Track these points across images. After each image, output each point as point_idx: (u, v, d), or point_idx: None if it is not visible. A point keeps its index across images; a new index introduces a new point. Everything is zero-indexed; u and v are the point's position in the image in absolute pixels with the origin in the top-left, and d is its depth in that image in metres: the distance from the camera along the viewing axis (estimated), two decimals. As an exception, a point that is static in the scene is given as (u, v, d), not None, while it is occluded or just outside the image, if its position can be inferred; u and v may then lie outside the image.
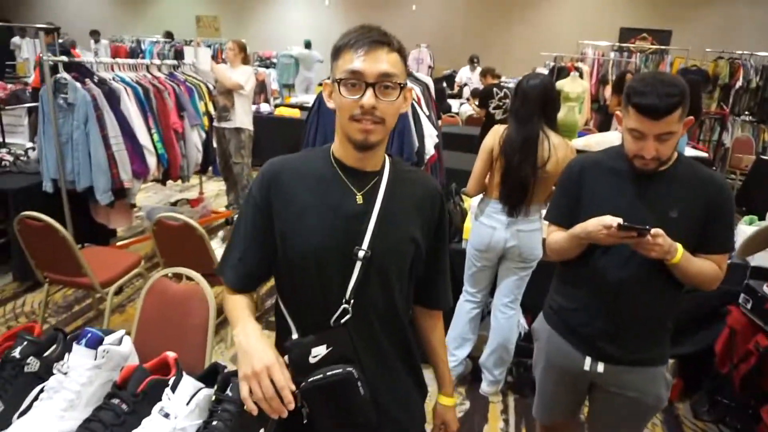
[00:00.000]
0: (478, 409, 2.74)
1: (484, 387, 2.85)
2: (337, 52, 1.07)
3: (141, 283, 3.52)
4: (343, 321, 1.11)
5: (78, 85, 3.38)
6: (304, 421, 1.08)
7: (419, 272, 1.23)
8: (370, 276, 1.11)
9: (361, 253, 1.09)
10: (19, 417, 1.05)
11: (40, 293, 3.37)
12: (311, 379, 1.06)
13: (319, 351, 1.08)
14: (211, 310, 1.93)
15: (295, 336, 1.15)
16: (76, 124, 3.40)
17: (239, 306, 1.15)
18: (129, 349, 1.18)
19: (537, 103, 2.40)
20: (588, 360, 1.64)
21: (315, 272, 1.11)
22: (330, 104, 1.09)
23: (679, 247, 1.42)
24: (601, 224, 1.43)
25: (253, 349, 1.02)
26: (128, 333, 2.03)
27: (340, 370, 1.06)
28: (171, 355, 1.18)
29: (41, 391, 1.08)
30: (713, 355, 2.64)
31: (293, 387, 1.00)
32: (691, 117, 1.46)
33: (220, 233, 4.81)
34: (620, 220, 1.40)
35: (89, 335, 1.10)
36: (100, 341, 1.11)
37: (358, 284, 1.10)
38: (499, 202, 2.53)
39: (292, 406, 0.98)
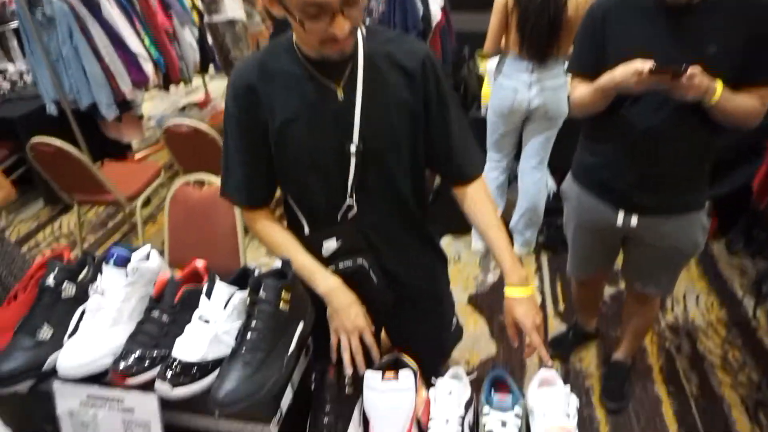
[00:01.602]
0: (511, 271, 2.80)
1: (516, 248, 2.88)
2: None
3: (166, 191, 3.55)
4: (350, 215, 1.12)
5: (52, -6, 3.15)
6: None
7: (431, 145, 1.14)
8: (368, 167, 1.08)
9: (353, 148, 1.05)
10: (69, 338, 1.09)
11: (73, 214, 3.44)
12: None
13: (330, 245, 1.13)
14: (237, 212, 1.94)
15: (306, 231, 1.18)
16: (61, 39, 3.22)
17: (291, 247, 1.15)
18: (158, 263, 1.18)
19: None
20: (621, 214, 1.60)
21: (313, 175, 1.10)
22: (275, 12, 0.92)
23: (718, 84, 1.29)
24: (631, 70, 1.30)
25: (344, 311, 1.09)
26: (162, 242, 2.09)
27: (350, 263, 1.12)
28: (200, 262, 1.18)
29: (83, 312, 1.10)
30: (750, 192, 2.58)
31: (376, 352, 1.11)
32: None
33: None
34: (651, 63, 1.27)
35: (115, 255, 1.10)
36: (128, 259, 1.11)
37: (357, 179, 1.08)
38: (521, 58, 2.35)
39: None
